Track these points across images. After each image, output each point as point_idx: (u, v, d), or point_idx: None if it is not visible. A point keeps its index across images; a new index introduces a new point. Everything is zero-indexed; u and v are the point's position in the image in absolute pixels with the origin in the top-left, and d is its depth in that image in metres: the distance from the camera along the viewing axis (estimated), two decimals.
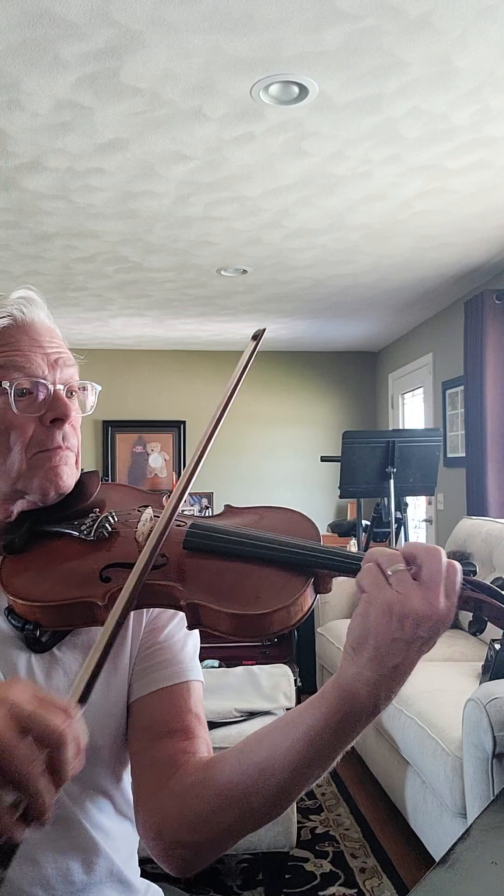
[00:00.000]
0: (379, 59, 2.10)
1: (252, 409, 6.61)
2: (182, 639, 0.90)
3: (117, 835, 0.88)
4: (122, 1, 1.86)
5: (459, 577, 0.68)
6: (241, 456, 6.58)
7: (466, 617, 0.72)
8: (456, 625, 3.41)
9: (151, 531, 0.75)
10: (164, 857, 0.79)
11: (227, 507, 0.89)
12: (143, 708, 0.86)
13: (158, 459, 6.55)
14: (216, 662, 3.15)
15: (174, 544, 0.78)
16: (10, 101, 2.30)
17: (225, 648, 3.83)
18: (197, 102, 2.33)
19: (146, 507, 0.87)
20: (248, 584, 0.73)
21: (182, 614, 0.75)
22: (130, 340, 6.17)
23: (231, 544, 0.77)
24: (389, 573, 0.66)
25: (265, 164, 2.78)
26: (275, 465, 6.59)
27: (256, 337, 0.86)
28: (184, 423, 6.52)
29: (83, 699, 0.60)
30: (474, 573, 0.74)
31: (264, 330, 0.87)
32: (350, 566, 0.73)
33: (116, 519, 0.84)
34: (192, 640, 0.92)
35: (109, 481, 0.98)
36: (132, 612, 0.86)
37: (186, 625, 0.74)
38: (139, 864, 0.96)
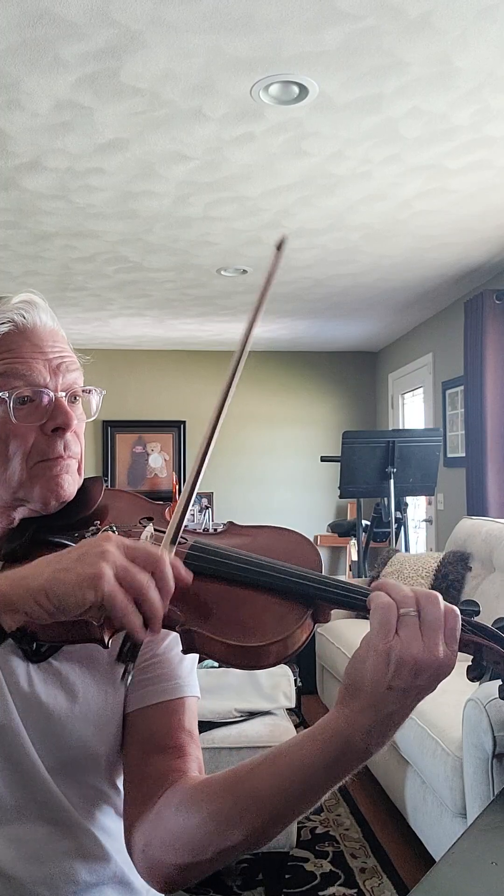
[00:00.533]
0: (379, 59, 2.10)
1: (252, 409, 6.61)
2: (180, 653, 0.88)
3: (119, 837, 0.88)
4: (122, 1, 1.86)
5: (458, 622, 0.66)
6: (241, 456, 6.58)
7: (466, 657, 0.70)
8: None
9: None
10: (148, 873, 0.79)
11: (230, 524, 0.87)
12: (138, 721, 0.86)
13: (158, 459, 6.55)
14: (216, 662, 3.15)
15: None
16: (10, 101, 2.30)
17: None
18: (197, 102, 2.33)
19: (148, 519, 0.85)
20: (246, 612, 0.72)
21: None
22: (130, 340, 6.17)
23: (232, 570, 0.74)
24: (401, 613, 0.65)
25: (265, 164, 2.78)
26: (275, 465, 6.59)
27: (280, 246, 0.81)
28: (184, 423, 6.52)
29: (172, 542, 0.70)
30: (477, 613, 0.74)
31: (286, 238, 0.82)
32: (353, 602, 0.71)
33: (117, 534, 0.82)
34: (191, 655, 0.90)
35: (108, 485, 0.95)
36: None
37: (182, 649, 0.73)
38: None
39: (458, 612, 0.67)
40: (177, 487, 6.37)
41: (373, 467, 4.09)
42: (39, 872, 0.82)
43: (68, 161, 2.73)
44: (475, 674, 0.70)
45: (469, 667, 0.70)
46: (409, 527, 5.24)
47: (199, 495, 6.45)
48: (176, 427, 6.53)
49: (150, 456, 6.55)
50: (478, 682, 0.70)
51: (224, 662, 0.71)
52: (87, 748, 0.84)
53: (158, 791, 0.80)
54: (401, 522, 4.78)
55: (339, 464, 4.26)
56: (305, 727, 3.62)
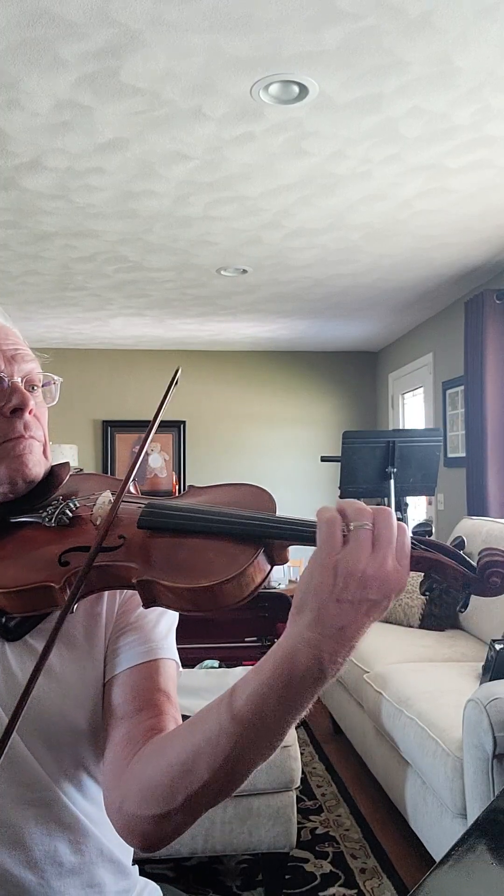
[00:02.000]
0: (379, 59, 2.10)
1: (252, 409, 6.61)
2: (154, 619, 0.91)
3: (105, 818, 0.88)
4: (122, 0, 1.85)
5: (409, 537, 0.67)
6: (240, 456, 6.58)
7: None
8: (455, 624, 3.41)
9: (108, 514, 0.77)
10: (126, 830, 0.79)
11: (191, 486, 0.91)
12: (115, 687, 0.87)
13: (158, 459, 6.55)
14: (216, 662, 3.15)
15: (129, 525, 0.79)
16: (10, 100, 2.30)
17: (225, 648, 3.82)
18: (197, 102, 2.33)
19: (105, 490, 0.88)
20: (199, 558, 0.74)
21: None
22: (130, 340, 6.16)
23: (182, 520, 0.78)
24: (352, 527, 0.65)
25: (265, 164, 2.78)
26: (275, 465, 6.59)
27: (174, 380, 0.88)
28: (184, 423, 6.52)
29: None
30: (429, 533, 0.75)
31: (178, 370, 0.89)
32: (301, 534, 0.72)
33: (77, 505, 0.86)
34: (166, 620, 0.92)
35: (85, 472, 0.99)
36: (106, 593, 0.89)
37: (142, 603, 0.75)
38: (137, 864, 0.96)
39: (407, 527, 0.68)
40: (177, 487, 6.37)
41: (373, 467, 4.09)
42: (23, 856, 0.82)
43: (68, 161, 2.73)
44: (427, 586, 0.70)
45: (421, 581, 0.71)
46: (410, 527, 5.24)
47: None
48: (176, 427, 6.52)
49: (150, 456, 6.55)
50: (427, 595, 0.70)
51: (183, 608, 0.73)
52: (69, 724, 0.85)
53: (134, 750, 0.80)
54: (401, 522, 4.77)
55: (339, 464, 4.26)
56: (305, 727, 3.62)
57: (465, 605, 0.70)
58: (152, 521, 0.79)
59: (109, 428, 6.49)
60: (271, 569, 0.76)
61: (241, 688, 0.70)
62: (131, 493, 0.86)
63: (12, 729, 0.65)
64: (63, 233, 3.51)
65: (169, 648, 0.90)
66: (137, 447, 6.51)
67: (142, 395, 6.50)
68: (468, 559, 0.70)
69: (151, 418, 0.85)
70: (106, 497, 0.84)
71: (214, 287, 4.52)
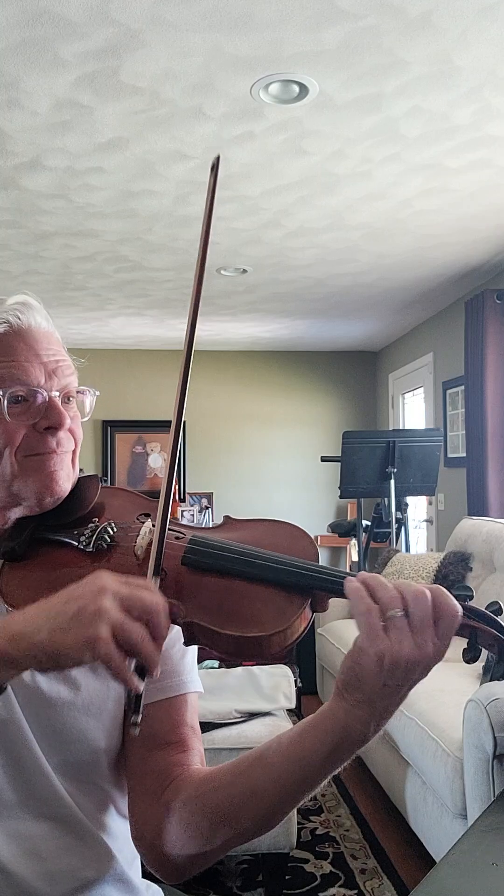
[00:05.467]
0: (379, 58, 2.10)
1: (252, 409, 6.61)
2: (182, 649, 0.90)
3: (120, 835, 0.89)
4: (122, 0, 1.85)
5: (458, 622, 0.67)
6: (240, 456, 6.58)
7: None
8: None
9: (150, 544, 0.75)
10: (157, 865, 0.82)
11: (227, 518, 0.88)
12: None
13: (158, 459, 6.55)
14: (216, 663, 3.14)
15: (173, 559, 0.76)
16: (10, 100, 2.30)
17: None
18: (197, 101, 2.33)
19: (146, 515, 0.85)
20: (246, 604, 0.73)
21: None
22: (130, 340, 6.16)
23: (230, 563, 0.76)
24: (388, 616, 0.66)
25: (265, 164, 2.78)
26: (275, 465, 6.59)
27: (214, 167, 0.83)
28: (184, 423, 6.52)
29: (156, 573, 0.70)
30: (470, 598, 0.74)
31: (219, 157, 0.84)
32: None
33: (116, 530, 0.83)
34: (192, 651, 0.92)
35: (108, 484, 0.96)
36: None
37: (184, 642, 0.74)
38: (140, 865, 0.96)
39: (460, 611, 0.67)
40: (177, 488, 6.36)
41: (373, 467, 4.09)
42: (40, 868, 0.83)
43: (68, 160, 2.73)
44: (471, 655, 0.71)
45: (464, 650, 0.71)
46: (410, 527, 5.24)
47: (200, 495, 6.46)
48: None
49: (150, 456, 6.55)
50: (472, 664, 0.71)
51: (226, 654, 0.73)
52: (89, 742, 0.85)
53: (163, 785, 0.82)
54: (401, 523, 4.78)
55: (339, 464, 4.25)
56: None
57: (502, 676, 0.71)
58: (198, 560, 0.76)
59: (109, 428, 6.49)
60: (313, 616, 0.75)
61: (286, 748, 0.74)
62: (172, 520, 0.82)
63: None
64: (63, 232, 3.51)
65: (195, 681, 0.91)
66: (139, 447, 6.52)
67: (142, 395, 6.50)
68: None
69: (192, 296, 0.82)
70: (148, 527, 0.81)
71: (214, 287, 4.52)
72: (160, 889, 0.99)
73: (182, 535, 0.79)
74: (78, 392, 0.89)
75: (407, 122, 2.47)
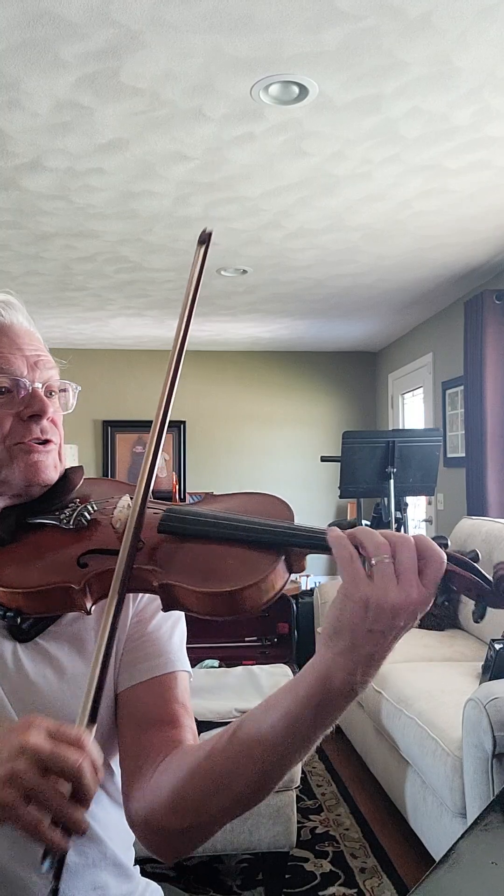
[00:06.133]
0: (379, 60, 2.10)
1: (252, 409, 6.61)
2: (169, 630, 0.92)
3: (110, 822, 0.89)
4: (122, 1, 1.86)
5: (443, 568, 0.68)
6: (240, 456, 6.58)
7: (468, 617, 0.72)
8: (455, 624, 3.41)
9: (128, 518, 0.78)
10: (152, 843, 0.80)
11: (208, 494, 0.92)
12: (131, 698, 0.87)
13: (158, 459, 6.55)
14: (216, 662, 3.15)
15: (150, 529, 0.80)
16: (10, 100, 2.30)
17: (225, 648, 3.82)
18: (197, 102, 2.33)
19: (124, 495, 0.89)
20: (219, 563, 0.75)
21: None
22: (130, 340, 6.17)
23: (203, 526, 0.79)
24: (374, 562, 0.67)
25: (265, 165, 2.78)
26: (275, 465, 6.59)
27: (204, 241, 0.85)
28: (184, 423, 6.52)
29: (92, 720, 0.67)
30: (446, 546, 0.76)
31: (211, 233, 0.86)
32: (320, 542, 0.73)
33: (95, 508, 0.87)
34: (179, 632, 0.94)
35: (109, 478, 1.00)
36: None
37: (162, 607, 0.76)
38: (139, 864, 0.96)
39: (444, 557, 0.68)
40: (177, 487, 6.37)
41: (373, 467, 4.09)
42: (27, 857, 0.82)
43: (68, 161, 2.73)
44: (445, 597, 0.72)
45: (440, 591, 0.72)
46: (410, 527, 5.24)
47: (200, 495, 6.45)
48: (176, 427, 6.52)
49: None
50: (446, 604, 0.73)
51: (203, 612, 0.74)
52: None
53: (156, 762, 0.81)
54: (401, 522, 4.78)
55: (339, 464, 4.25)
56: None
57: (482, 616, 0.72)
58: (173, 525, 0.80)
59: (109, 428, 6.49)
60: (289, 576, 0.77)
61: (273, 707, 0.73)
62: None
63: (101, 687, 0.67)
64: (63, 233, 3.51)
65: (184, 660, 0.91)
66: (139, 447, 6.52)
67: (142, 395, 6.50)
68: (483, 572, 0.72)
69: (177, 329, 0.84)
70: (125, 501, 0.85)
71: (214, 287, 4.52)
72: (159, 887, 0.99)
73: (159, 509, 0.83)
74: (61, 390, 0.93)
75: (406, 123, 2.47)
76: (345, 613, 0.67)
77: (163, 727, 0.84)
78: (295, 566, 0.76)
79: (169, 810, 0.77)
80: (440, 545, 0.72)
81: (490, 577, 0.71)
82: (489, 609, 0.71)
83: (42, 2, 1.86)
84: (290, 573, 0.77)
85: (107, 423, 6.47)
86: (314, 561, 0.77)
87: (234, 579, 0.72)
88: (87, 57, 2.08)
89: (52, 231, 3.48)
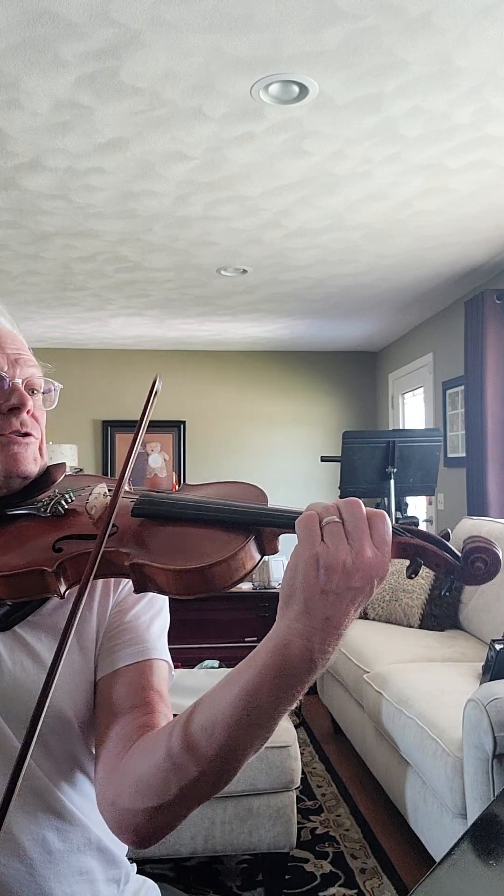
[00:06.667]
0: (379, 59, 2.10)
1: (252, 409, 6.61)
2: (148, 620, 0.93)
3: (94, 807, 0.89)
4: (122, 0, 1.85)
5: (388, 525, 0.68)
6: (241, 456, 6.58)
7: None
8: (455, 624, 3.41)
9: (104, 504, 0.81)
10: (118, 825, 0.80)
11: (186, 484, 0.94)
12: (107, 685, 0.88)
13: (158, 459, 6.55)
14: (216, 663, 3.15)
15: (124, 514, 0.82)
16: (10, 100, 2.30)
17: (225, 649, 3.82)
18: (197, 102, 2.33)
19: (100, 483, 0.91)
20: (191, 543, 0.77)
21: (150, 595, 0.79)
22: (130, 340, 6.16)
23: (174, 508, 0.81)
24: (324, 523, 0.67)
25: (265, 164, 2.78)
26: (275, 465, 6.59)
27: (155, 389, 0.87)
28: (184, 423, 6.52)
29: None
30: (416, 524, 0.78)
31: (158, 381, 0.89)
32: (287, 521, 0.74)
33: (73, 497, 0.89)
34: (160, 622, 0.94)
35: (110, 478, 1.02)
36: (98, 592, 0.92)
37: (133, 588, 0.76)
38: (136, 864, 0.96)
39: (385, 514, 0.69)
40: (176, 487, 6.36)
41: (373, 467, 4.09)
42: (10, 844, 0.83)
43: (68, 161, 2.73)
44: (413, 569, 0.72)
45: (407, 566, 0.73)
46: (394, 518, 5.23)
47: None
48: (176, 427, 6.52)
49: (150, 456, 6.55)
50: (413, 577, 0.72)
51: (175, 591, 0.75)
52: (59, 716, 0.86)
53: (126, 746, 0.81)
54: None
55: (339, 464, 4.25)
56: (305, 727, 3.62)
57: (449, 591, 0.73)
58: (146, 508, 0.82)
59: (109, 428, 6.49)
60: (261, 557, 0.77)
61: (234, 679, 0.71)
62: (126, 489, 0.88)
63: (39, 717, 0.67)
64: (63, 233, 3.51)
65: (162, 650, 0.92)
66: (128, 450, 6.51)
67: (142, 395, 6.47)
68: (452, 547, 0.72)
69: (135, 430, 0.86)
70: (102, 489, 0.86)
71: (214, 287, 4.52)
72: (155, 885, 0.99)
73: (133, 497, 0.85)
74: (45, 391, 0.95)
75: (407, 123, 2.47)
76: (297, 574, 0.67)
77: (136, 713, 0.84)
78: (267, 547, 0.77)
79: (133, 790, 0.77)
80: (411, 523, 0.73)
81: (458, 552, 0.71)
82: (458, 584, 0.71)
83: (42, 1, 1.85)
84: (263, 554, 0.77)
85: (107, 423, 6.47)
86: (289, 542, 0.77)
87: (203, 557, 0.74)
88: (87, 56, 2.07)
89: (52, 231, 3.48)
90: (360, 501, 0.69)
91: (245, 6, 1.88)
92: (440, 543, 0.72)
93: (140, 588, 0.76)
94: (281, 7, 1.88)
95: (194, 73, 2.17)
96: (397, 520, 0.74)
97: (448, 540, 0.73)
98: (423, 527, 0.75)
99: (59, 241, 3.62)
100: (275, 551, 0.78)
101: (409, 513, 5.21)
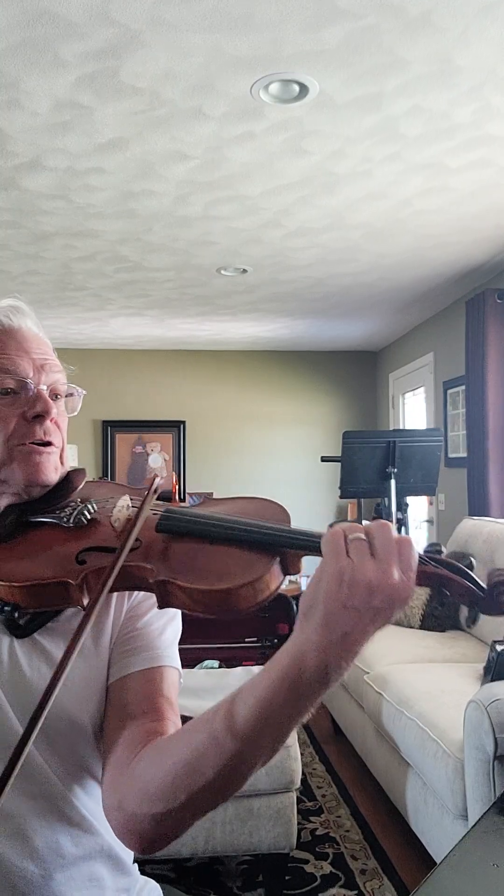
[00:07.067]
0: (379, 58, 2.10)
1: (252, 409, 6.61)
2: (160, 627, 0.93)
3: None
4: (122, 0, 1.85)
5: (414, 552, 0.68)
6: (241, 456, 6.58)
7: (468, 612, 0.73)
8: (456, 625, 3.40)
9: (128, 517, 0.80)
10: (124, 830, 0.79)
11: (207, 498, 0.95)
12: (118, 690, 0.88)
13: (158, 459, 6.55)
14: (216, 663, 3.14)
15: (148, 528, 0.81)
16: (10, 100, 2.30)
17: (225, 649, 3.82)
18: (197, 101, 2.33)
19: (124, 495, 0.90)
20: (215, 562, 0.77)
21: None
22: (130, 340, 6.16)
23: (200, 526, 0.80)
24: (350, 538, 0.67)
25: (265, 163, 2.78)
26: (275, 465, 6.59)
27: (152, 488, 0.86)
28: (183, 423, 6.52)
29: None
30: (439, 553, 0.78)
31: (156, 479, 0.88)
32: (314, 545, 0.74)
33: (95, 507, 0.88)
34: (172, 629, 0.94)
35: (107, 480, 1.01)
36: (114, 597, 0.92)
37: (157, 604, 0.76)
38: (137, 864, 0.96)
39: (412, 541, 0.69)
40: (177, 487, 6.36)
41: (373, 467, 4.08)
42: (25, 848, 0.83)
43: (68, 161, 2.73)
44: (438, 600, 0.73)
45: (431, 595, 0.73)
46: (410, 527, 5.23)
47: (199, 496, 6.45)
48: (176, 427, 6.52)
49: (150, 456, 6.55)
50: (440, 609, 0.73)
51: (198, 610, 0.75)
52: (72, 721, 0.86)
53: (134, 752, 0.81)
54: (402, 523, 4.77)
55: (339, 464, 4.25)
56: (306, 728, 3.61)
57: (475, 621, 0.73)
58: (170, 524, 0.81)
59: (109, 428, 6.49)
60: (284, 578, 0.77)
61: (247, 689, 0.72)
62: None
63: (36, 722, 0.67)
64: (63, 233, 3.51)
65: (173, 657, 0.92)
66: (139, 447, 6.52)
67: (142, 395, 6.50)
68: (477, 579, 0.72)
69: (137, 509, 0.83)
70: (125, 501, 0.86)
71: (214, 287, 4.52)
72: (157, 885, 0.99)
73: (157, 511, 0.84)
74: (67, 395, 0.95)
75: (407, 122, 2.46)
76: (320, 587, 0.67)
77: (145, 719, 0.84)
78: (290, 568, 0.77)
79: (140, 796, 0.77)
80: (435, 551, 0.73)
81: (483, 584, 0.72)
82: (482, 615, 0.72)
83: (42, 1, 1.85)
84: (286, 575, 0.77)
85: (107, 423, 6.47)
86: (312, 563, 0.77)
87: (229, 578, 0.73)
88: (87, 56, 2.07)
89: (52, 231, 3.48)
90: (391, 524, 0.69)
91: (245, 6, 1.88)
92: (465, 574, 0.72)
93: (164, 604, 0.76)
94: (281, 7, 1.88)
95: (194, 72, 2.16)
96: (424, 549, 0.74)
97: (472, 569, 0.73)
98: (423, 527, 0.75)
99: (59, 241, 3.62)
100: (297, 572, 0.78)
101: (409, 513, 5.21)
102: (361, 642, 0.67)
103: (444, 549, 0.75)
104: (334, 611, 0.66)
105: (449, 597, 0.72)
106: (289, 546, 0.76)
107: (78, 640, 0.69)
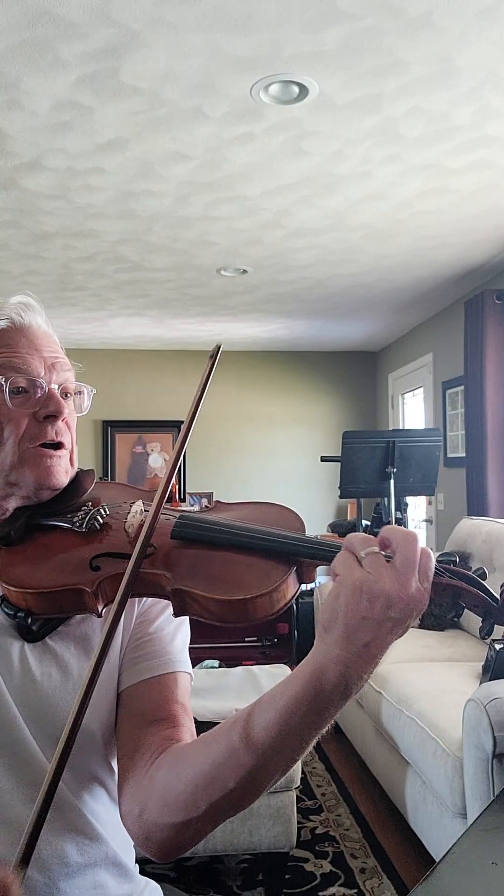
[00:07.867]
0: (379, 59, 2.10)
1: (252, 409, 6.61)
2: (171, 632, 0.92)
3: (111, 821, 0.89)
4: (122, 1, 1.85)
5: (433, 563, 0.68)
6: (241, 456, 6.58)
7: (475, 620, 0.73)
8: (456, 625, 3.41)
9: (141, 523, 0.79)
10: (144, 839, 0.79)
11: (218, 502, 0.93)
12: (131, 697, 0.87)
13: (158, 459, 6.55)
14: (216, 662, 3.15)
15: (162, 535, 0.80)
16: (10, 100, 2.30)
17: (225, 649, 3.82)
18: (197, 102, 2.33)
19: (137, 500, 0.90)
20: (232, 571, 0.76)
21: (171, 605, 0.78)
22: (130, 340, 6.16)
23: (216, 534, 0.79)
24: (362, 555, 0.67)
25: (265, 164, 2.78)
26: (275, 465, 6.59)
27: (213, 356, 0.87)
28: (183, 422, 6.52)
29: (25, 861, 0.67)
30: (454, 563, 0.79)
31: (220, 347, 0.88)
32: (330, 555, 0.74)
33: (108, 512, 0.87)
34: (182, 634, 0.94)
35: (109, 480, 1.01)
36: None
37: (173, 612, 0.76)
38: (139, 864, 0.96)
39: (431, 552, 0.69)
40: (177, 487, 6.36)
41: (373, 467, 4.09)
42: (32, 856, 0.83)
43: (68, 161, 2.73)
44: (454, 612, 0.73)
45: (446, 608, 0.74)
46: (410, 527, 5.24)
47: (200, 495, 6.45)
48: (176, 427, 6.52)
49: (150, 456, 6.55)
50: (455, 620, 0.74)
51: (215, 620, 0.74)
52: (82, 726, 0.85)
53: (152, 759, 0.81)
54: (401, 522, 4.78)
55: (339, 464, 4.25)
56: None
57: (489, 633, 0.74)
58: (186, 531, 0.80)
59: (109, 428, 6.49)
60: (300, 587, 0.77)
61: (266, 703, 0.72)
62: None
63: (77, 728, 0.68)
64: (63, 233, 3.51)
65: (186, 662, 0.91)
66: (139, 447, 6.52)
67: (142, 395, 6.50)
68: (490, 589, 0.73)
69: (189, 414, 0.86)
70: (139, 507, 0.86)
71: (214, 287, 4.52)
72: (158, 886, 0.99)
73: (172, 516, 0.83)
74: (77, 393, 0.94)
75: (407, 123, 2.47)
76: (339, 599, 0.67)
77: (160, 726, 0.84)
78: (306, 577, 0.77)
79: (160, 805, 0.77)
80: (449, 562, 0.74)
81: (497, 595, 0.73)
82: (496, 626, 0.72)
83: (42, 2, 1.85)
84: (301, 583, 0.77)
85: (107, 423, 6.47)
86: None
87: (246, 588, 0.73)
88: (87, 57, 2.07)
89: (52, 231, 3.48)
90: (418, 536, 0.69)
91: (245, 6, 1.88)
92: (478, 584, 0.73)
93: (180, 612, 0.76)
94: (281, 7, 1.88)
95: (194, 73, 2.17)
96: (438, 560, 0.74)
97: (484, 579, 0.73)
98: (422, 526, 0.76)
99: (59, 241, 3.62)
100: (312, 580, 0.78)
101: (409, 513, 5.22)
102: (381, 652, 0.68)
103: (457, 557, 0.76)
104: (354, 623, 0.66)
105: (463, 607, 0.73)
106: (307, 556, 0.76)
107: (101, 662, 0.69)
